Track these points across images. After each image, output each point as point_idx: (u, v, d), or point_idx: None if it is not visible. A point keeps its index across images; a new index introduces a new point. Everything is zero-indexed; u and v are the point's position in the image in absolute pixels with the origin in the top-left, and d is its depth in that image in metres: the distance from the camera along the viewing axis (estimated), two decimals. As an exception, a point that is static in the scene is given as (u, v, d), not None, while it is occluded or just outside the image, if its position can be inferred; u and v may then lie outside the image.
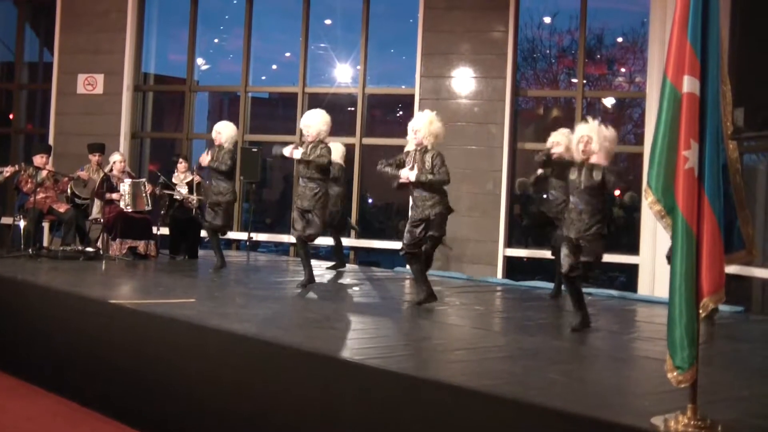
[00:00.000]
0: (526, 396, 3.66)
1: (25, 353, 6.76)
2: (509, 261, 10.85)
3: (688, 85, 3.26)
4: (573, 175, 5.95)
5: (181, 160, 10.42)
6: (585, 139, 5.82)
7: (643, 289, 10.11)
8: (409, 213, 7.01)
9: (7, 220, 9.81)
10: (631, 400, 3.89)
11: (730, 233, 3.38)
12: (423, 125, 6.70)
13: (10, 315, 7.04)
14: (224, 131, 8.85)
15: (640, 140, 10.96)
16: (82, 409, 5.82)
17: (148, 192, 9.72)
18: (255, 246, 11.84)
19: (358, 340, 5.24)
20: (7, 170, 9.23)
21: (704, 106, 3.27)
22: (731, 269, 3.37)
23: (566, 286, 6.10)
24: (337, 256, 9.82)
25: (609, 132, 5.87)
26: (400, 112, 13.28)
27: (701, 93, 3.27)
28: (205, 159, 8.77)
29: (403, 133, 7.10)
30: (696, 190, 3.22)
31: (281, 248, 12.71)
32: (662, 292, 8.76)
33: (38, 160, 9.50)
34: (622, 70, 12.36)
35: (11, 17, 13.87)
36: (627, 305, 7.93)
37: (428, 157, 6.66)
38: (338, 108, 12.30)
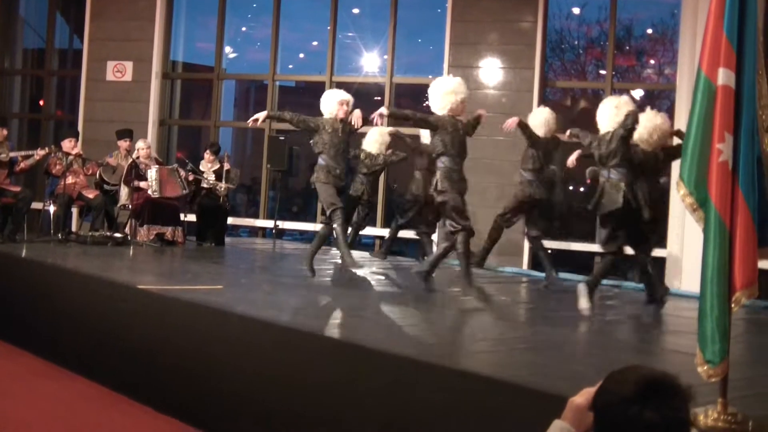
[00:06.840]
0: (553, 387, 3.65)
1: (54, 336, 6.84)
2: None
3: (723, 77, 3.22)
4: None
5: (207, 150, 10.51)
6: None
7: (670, 282, 10.04)
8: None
9: (37, 206, 9.93)
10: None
11: (764, 227, 3.34)
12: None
13: (40, 298, 7.13)
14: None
15: (669, 133, 10.85)
16: (111, 393, 5.87)
17: (183, 177, 9.82)
18: (280, 234, 11.88)
19: (386, 329, 5.24)
20: (39, 153, 9.33)
21: (739, 99, 3.23)
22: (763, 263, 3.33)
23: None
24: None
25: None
26: (427, 102, 13.23)
27: (736, 85, 3.24)
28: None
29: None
30: (730, 183, 3.18)
31: (306, 236, 12.74)
32: (690, 285, 8.68)
33: (67, 144, 9.62)
34: (652, 61, 12.25)
35: (42, 5, 14.00)
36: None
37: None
38: (366, 97, 12.29)
